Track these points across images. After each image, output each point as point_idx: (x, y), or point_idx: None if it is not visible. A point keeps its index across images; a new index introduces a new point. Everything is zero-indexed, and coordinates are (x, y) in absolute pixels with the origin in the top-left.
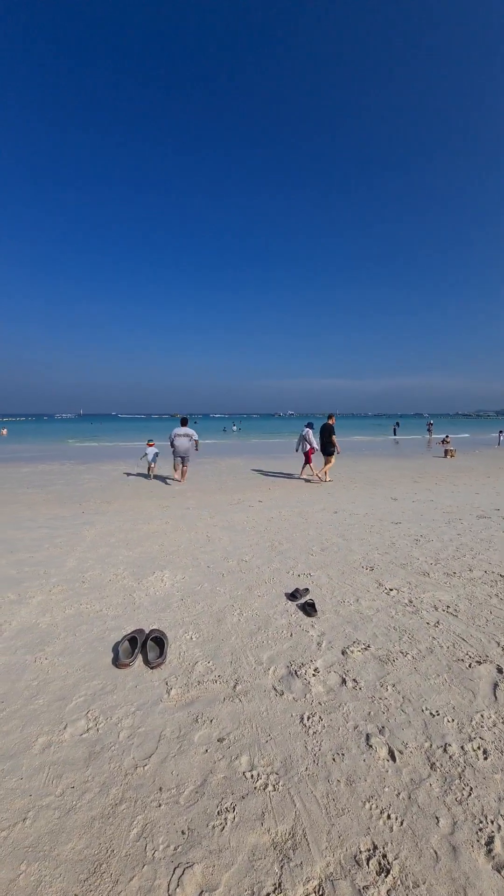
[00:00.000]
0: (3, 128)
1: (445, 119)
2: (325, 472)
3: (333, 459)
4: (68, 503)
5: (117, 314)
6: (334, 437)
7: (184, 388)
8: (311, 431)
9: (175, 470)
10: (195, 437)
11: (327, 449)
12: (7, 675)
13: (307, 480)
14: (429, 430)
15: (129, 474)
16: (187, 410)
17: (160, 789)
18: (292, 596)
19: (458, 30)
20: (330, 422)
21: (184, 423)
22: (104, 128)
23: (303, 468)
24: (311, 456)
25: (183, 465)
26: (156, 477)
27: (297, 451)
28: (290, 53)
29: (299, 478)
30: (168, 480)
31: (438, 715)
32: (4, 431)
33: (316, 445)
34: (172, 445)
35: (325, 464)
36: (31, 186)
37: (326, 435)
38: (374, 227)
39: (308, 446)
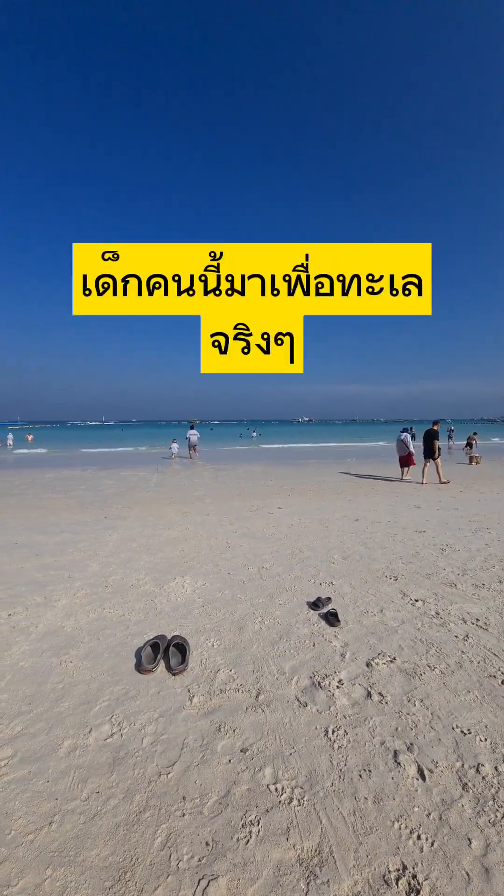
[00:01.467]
0: (4, 128)
1: (449, 119)
2: (439, 474)
3: (425, 462)
4: (90, 508)
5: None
6: (435, 442)
7: (193, 394)
8: (408, 436)
9: (191, 452)
10: (197, 434)
11: (429, 453)
12: (34, 678)
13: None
14: (450, 436)
15: (164, 458)
16: (201, 416)
17: (184, 798)
18: (314, 605)
19: (460, 30)
20: (435, 427)
21: (192, 427)
22: (107, 129)
23: (405, 471)
24: (413, 459)
25: (194, 450)
26: (179, 457)
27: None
28: (290, 55)
29: (403, 480)
30: (185, 460)
31: (470, 733)
32: (30, 437)
33: (412, 450)
34: (188, 439)
35: (429, 466)
36: (36, 188)
37: (429, 440)
38: (380, 226)
39: (407, 450)
